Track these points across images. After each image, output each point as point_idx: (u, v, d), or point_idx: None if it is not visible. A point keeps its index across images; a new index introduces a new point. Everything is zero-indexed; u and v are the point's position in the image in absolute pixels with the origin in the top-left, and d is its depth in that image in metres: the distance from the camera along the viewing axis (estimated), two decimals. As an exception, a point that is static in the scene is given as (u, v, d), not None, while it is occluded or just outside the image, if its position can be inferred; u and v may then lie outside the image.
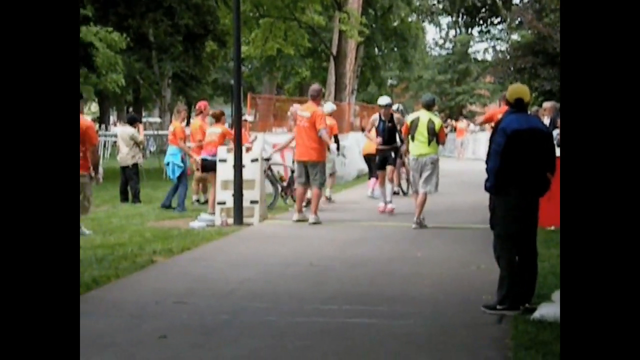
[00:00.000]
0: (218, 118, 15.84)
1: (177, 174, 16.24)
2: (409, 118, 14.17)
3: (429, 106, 13.85)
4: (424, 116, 13.63)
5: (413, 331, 6.90)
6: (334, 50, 34.63)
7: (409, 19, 48.99)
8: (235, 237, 12.60)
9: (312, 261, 10.24)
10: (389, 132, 15.85)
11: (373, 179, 18.71)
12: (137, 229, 13.11)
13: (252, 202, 14.06)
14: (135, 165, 17.17)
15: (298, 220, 14.15)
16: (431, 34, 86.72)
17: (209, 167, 15.12)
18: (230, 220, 13.83)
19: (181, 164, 16.16)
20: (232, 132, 14.72)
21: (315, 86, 15.09)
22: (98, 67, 27.93)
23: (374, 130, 16.34)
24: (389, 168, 16.05)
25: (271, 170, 16.53)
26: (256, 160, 14.34)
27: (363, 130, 20.67)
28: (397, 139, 15.86)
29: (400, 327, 7.03)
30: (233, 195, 13.84)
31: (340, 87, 34.11)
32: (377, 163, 16.28)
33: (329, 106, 17.52)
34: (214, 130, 15.46)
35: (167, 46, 38.23)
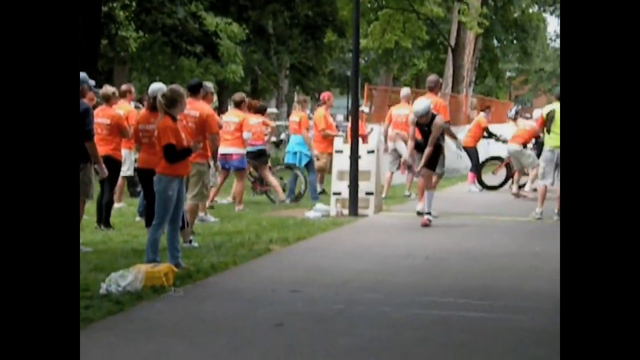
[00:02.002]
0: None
1: (305, 162, 16.31)
2: (545, 110, 13.88)
3: None
4: (559, 108, 13.38)
5: (532, 327, 6.77)
6: (452, 42, 34.23)
7: (530, 10, 48.01)
8: (350, 228, 12.61)
9: (428, 254, 10.17)
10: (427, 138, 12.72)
11: (470, 173, 18.66)
12: (253, 218, 13.27)
13: (368, 193, 14.02)
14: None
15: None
16: (552, 25, 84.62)
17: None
18: (345, 211, 13.84)
19: (308, 153, 16.23)
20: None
21: (432, 77, 14.91)
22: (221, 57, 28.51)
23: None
24: (435, 176, 13.11)
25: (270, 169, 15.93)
26: (372, 151, 14.30)
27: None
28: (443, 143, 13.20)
29: (519, 321, 6.90)
30: (348, 186, 13.84)
31: (458, 79, 33.68)
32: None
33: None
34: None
35: (285, 38, 38.51)
